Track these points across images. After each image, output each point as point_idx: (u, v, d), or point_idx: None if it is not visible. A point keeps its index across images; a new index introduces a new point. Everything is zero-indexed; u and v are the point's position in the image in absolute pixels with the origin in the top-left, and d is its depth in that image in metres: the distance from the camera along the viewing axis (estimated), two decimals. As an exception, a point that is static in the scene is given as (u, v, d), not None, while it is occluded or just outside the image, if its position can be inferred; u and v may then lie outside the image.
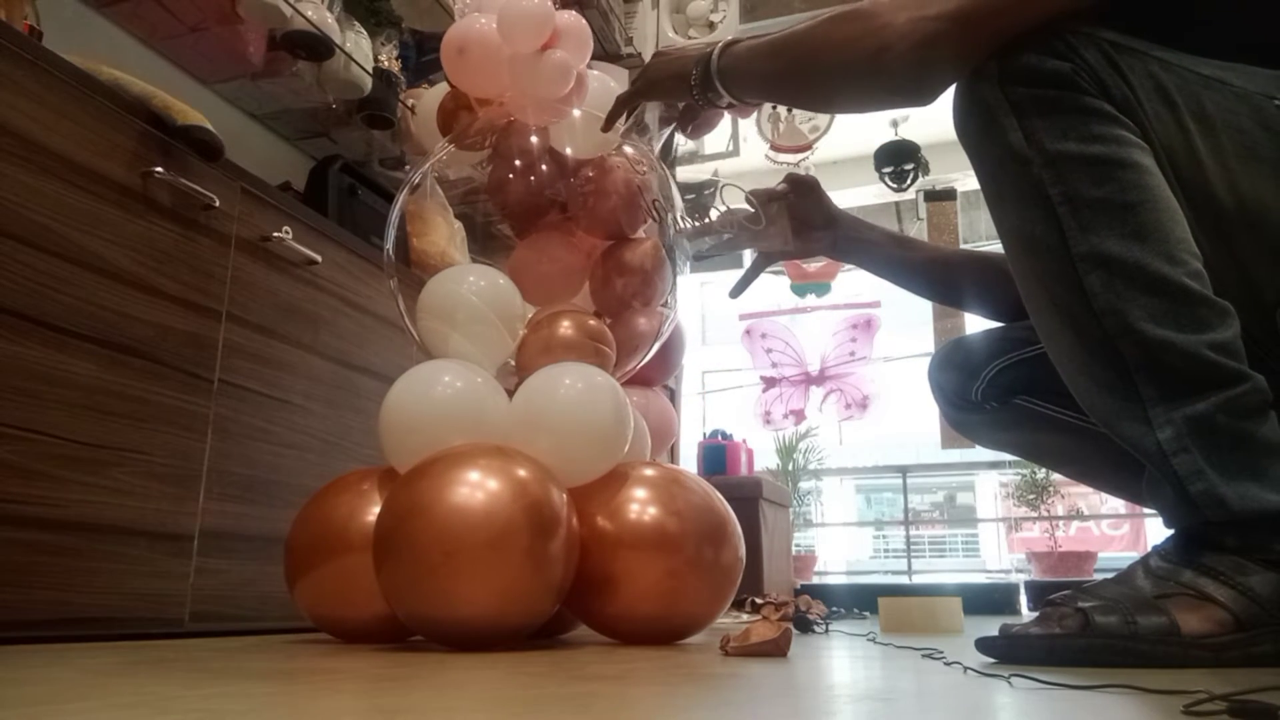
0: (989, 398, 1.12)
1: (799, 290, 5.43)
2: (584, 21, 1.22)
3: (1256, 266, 0.85)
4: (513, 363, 1.17)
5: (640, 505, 1.02)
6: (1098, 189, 0.82)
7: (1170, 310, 0.80)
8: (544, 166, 1.23)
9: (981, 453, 6.07)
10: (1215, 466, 0.78)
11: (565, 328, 1.13)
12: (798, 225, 1.23)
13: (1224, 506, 0.77)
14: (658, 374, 1.39)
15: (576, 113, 1.24)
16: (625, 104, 1.17)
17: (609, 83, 1.32)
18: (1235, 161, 0.83)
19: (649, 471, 1.07)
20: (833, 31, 0.94)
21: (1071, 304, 0.84)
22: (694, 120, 1.20)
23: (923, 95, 0.93)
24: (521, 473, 0.92)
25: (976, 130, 0.89)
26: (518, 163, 1.23)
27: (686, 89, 1.09)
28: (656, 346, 1.27)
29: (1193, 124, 0.83)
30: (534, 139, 1.23)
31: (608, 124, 1.18)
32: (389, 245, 1.25)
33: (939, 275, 1.27)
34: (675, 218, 1.26)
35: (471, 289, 1.09)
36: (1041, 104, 0.84)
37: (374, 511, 1.00)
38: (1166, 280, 0.80)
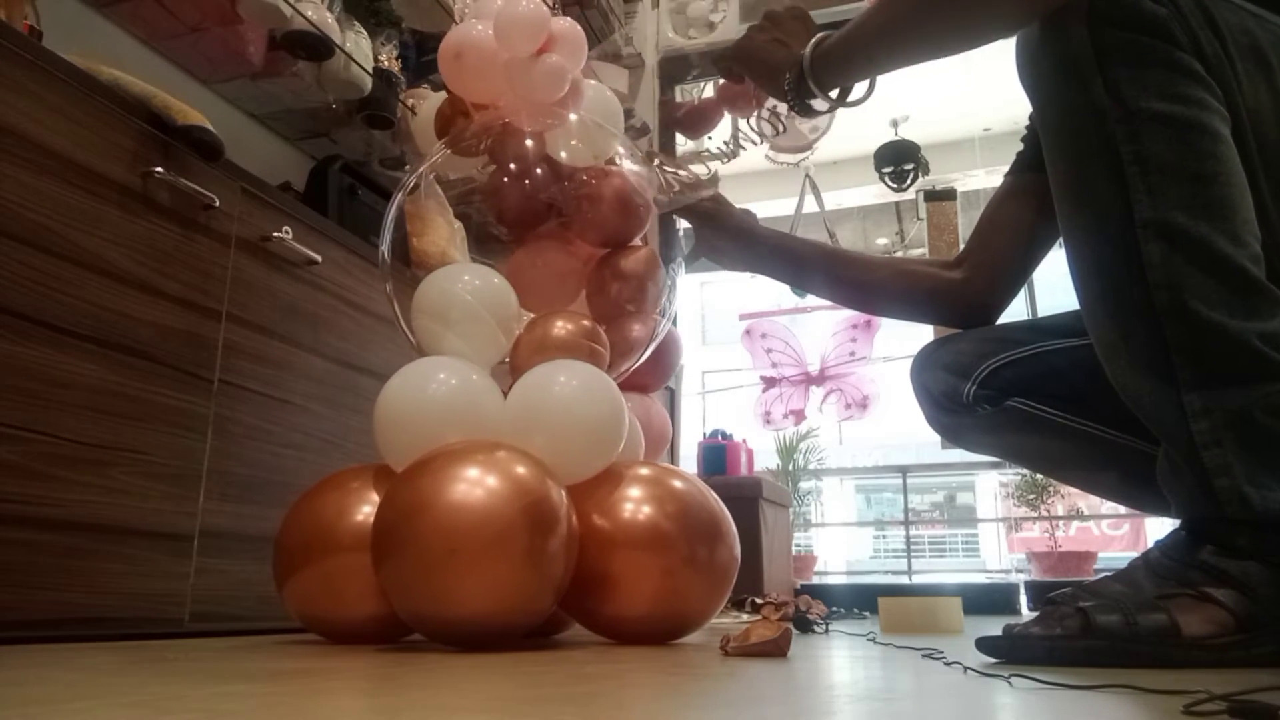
0: (981, 400, 1.07)
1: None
2: (579, 27, 1.23)
3: None
4: (506, 362, 1.16)
5: (634, 504, 1.02)
6: (1173, 153, 0.78)
7: (1225, 294, 0.77)
8: (539, 172, 1.23)
9: (981, 453, 6.06)
10: (1244, 464, 0.76)
11: (559, 327, 1.13)
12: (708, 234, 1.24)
13: (1246, 506, 0.76)
14: (653, 380, 1.39)
15: (574, 118, 1.24)
16: (729, 59, 1.16)
17: (605, 91, 1.32)
18: None
19: (643, 470, 1.07)
20: None
21: (1123, 270, 0.80)
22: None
23: None
24: (522, 470, 0.91)
25: (1051, 70, 0.84)
26: (513, 167, 1.23)
27: (779, 90, 1.06)
28: (649, 351, 1.27)
29: None
30: (529, 144, 1.23)
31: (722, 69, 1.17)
32: (384, 248, 1.25)
33: (851, 281, 1.24)
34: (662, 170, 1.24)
35: (466, 287, 1.09)
36: (1129, 52, 0.80)
37: (364, 510, 1.00)
38: (1228, 261, 0.77)
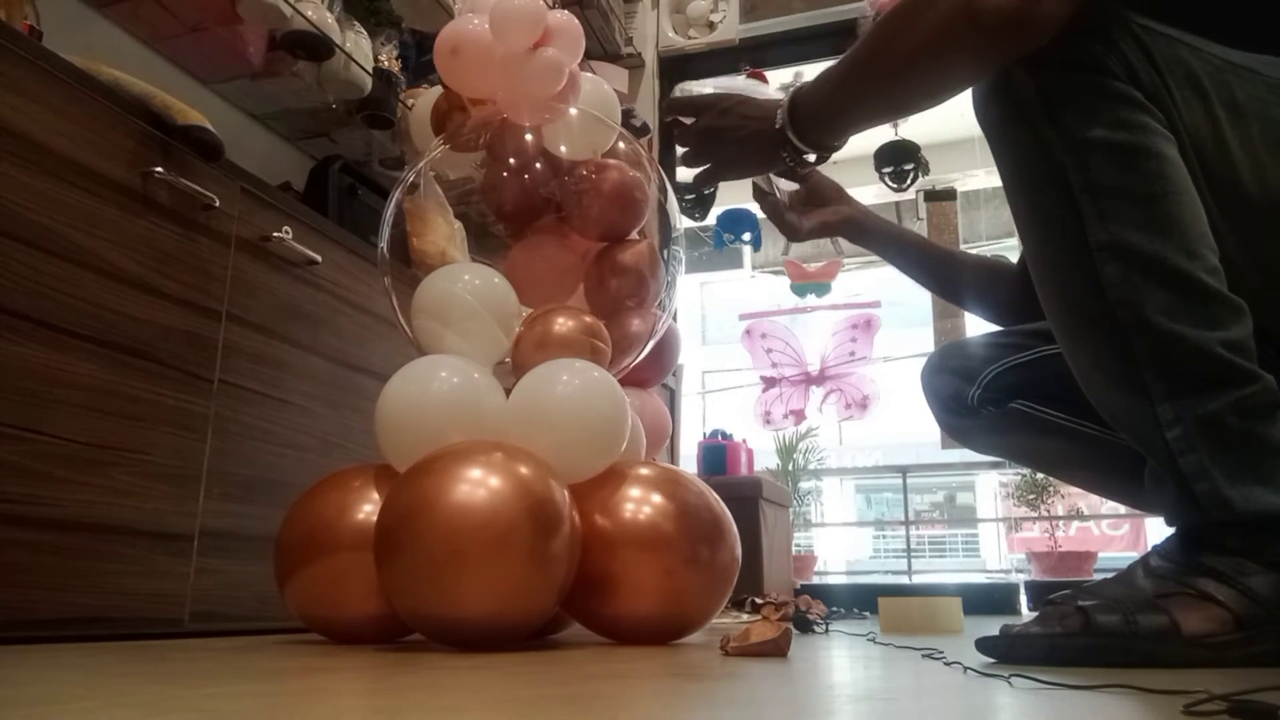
0: (985, 402, 1.11)
1: (799, 290, 5.42)
2: (576, 20, 1.22)
3: None
4: (508, 361, 1.17)
5: (636, 504, 1.02)
6: (1120, 178, 0.81)
7: (1185, 305, 0.79)
8: (538, 166, 1.23)
9: (981, 453, 6.06)
10: (1221, 467, 0.77)
11: (561, 324, 1.13)
12: (811, 200, 1.23)
13: (1228, 508, 0.77)
14: (652, 375, 1.39)
15: (573, 111, 1.24)
16: (705, 183, 1.13)
17: (603, 84, 1.32)
18: (1264, 151, 0.82)
19: (645, 471, 1.07)
20: (912, 10, 0.87)
21: (1085, 293, 0.83)
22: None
23: (1028, 33, 0.82)
24: (524, 470, 0.91)
25: (999, 110, 0.88)
26: (512, 162, 1.23)
27: (779, 163, 1.05)
28: (650, 346, 1.27)
29: (1222, 113, 0.82)
30: (528, 138, 1.23)
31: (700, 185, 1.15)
32: (383, 244, 1.25)
33: (947, 272, 1.28)
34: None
35: (466, 287, 1.09)
36: (1070, 88, 0.83)
37: (366, 509, 1.00)
38: (1184, 275, 0.79)
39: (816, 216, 1.23)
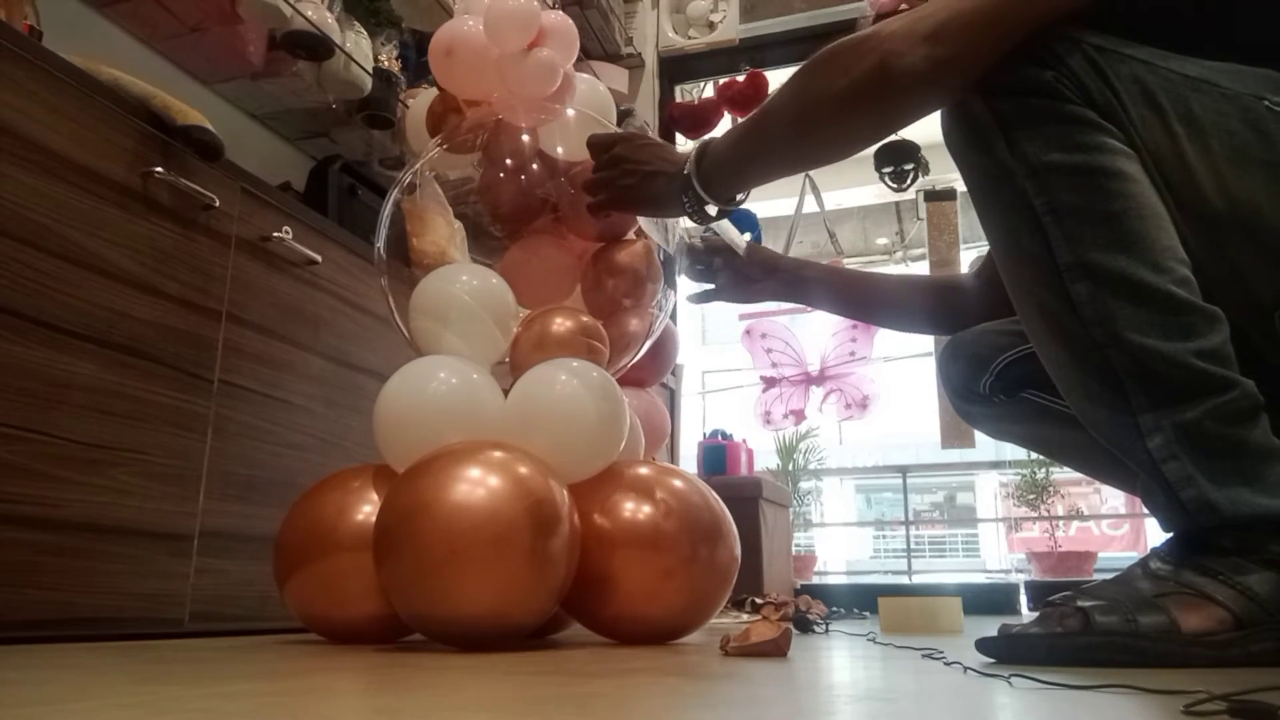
0: (997, 390, 1.12)
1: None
2: (570, 21, 1.23)
3: (1251, 269, 0.84)
4: (506, 361, 1.17)
5: (635, 504, 1.02)
6: (1081, 199, 0.82)
7: (1156, 318, 0.80)
8: (534, 167, 1.23)
9: (981, 453, 6.06)
10: (1205, 473, 0.78)
11: (558, 324, 1.13)
12: (738, 278, 1.30)
13: (1215, 512, 0.78)
14: (650, 375, 1.39)
15: (570, 112, 1.24)
16: (596, 213, 1.16)
17: (598, 85, 1.32)
18: (1225, 164, 0.82)
19: (643, 470, 1.07)
20: (829, 64, 0.91)
21: (1060, 313, 0.84)
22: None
23: (941, 90, 0.88)
24: (523, 470, 0.91)
25: (962, 142, 0.90)
26: (508, 163, 1.23)
27: (680, 212, 1.08)
28: (647, 346, 1.27)
29: (1180, 127, 0.83)
30: (524, 139, 1.23)
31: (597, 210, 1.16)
32: (380, 244, 1.25)
33: (882, 309, 1.34)
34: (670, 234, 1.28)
35: (464, 287, 1.09)
36: (1024, 114, 0.85)
37: (365, 510, 1.00)
38: (1152, 288, 0.80)
39: (746, 296, 1.32)
